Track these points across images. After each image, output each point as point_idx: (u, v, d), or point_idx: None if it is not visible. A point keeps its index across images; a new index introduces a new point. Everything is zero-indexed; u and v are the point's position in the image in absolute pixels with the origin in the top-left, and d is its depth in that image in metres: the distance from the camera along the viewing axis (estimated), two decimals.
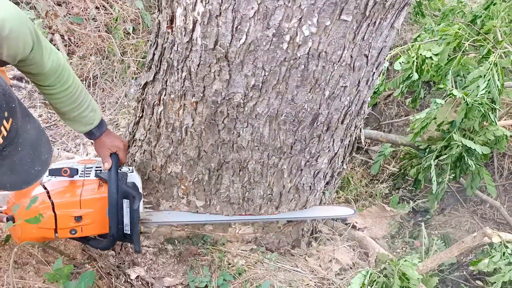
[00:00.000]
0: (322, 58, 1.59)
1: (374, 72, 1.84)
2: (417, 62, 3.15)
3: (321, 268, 2.34)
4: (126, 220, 1.76)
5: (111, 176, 1.73)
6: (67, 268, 1.58)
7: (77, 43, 3.61)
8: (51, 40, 3.91)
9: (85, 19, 3.84)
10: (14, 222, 1.61)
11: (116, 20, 3.61)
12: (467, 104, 2.80)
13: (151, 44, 1.95)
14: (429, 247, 2.52)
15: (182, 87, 1.78)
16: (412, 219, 3.75)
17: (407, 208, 3.07)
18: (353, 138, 2.20)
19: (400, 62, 3.09)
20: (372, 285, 2.06)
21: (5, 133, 1.06)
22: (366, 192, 3.56)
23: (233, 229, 2.28)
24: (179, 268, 2.20)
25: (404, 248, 2.83)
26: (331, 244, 2.55)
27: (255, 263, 2.20)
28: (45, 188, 1.67)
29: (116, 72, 3.38)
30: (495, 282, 2.20)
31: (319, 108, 1.77)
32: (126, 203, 1.75)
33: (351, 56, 1.63)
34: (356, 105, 1.91)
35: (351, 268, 2.42)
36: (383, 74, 3.16)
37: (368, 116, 5.43)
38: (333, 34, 1.52)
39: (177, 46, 1.72)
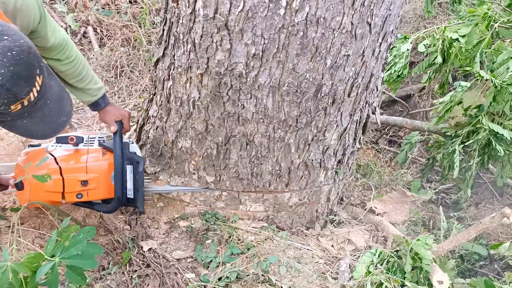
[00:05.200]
0: (320, 24, 1.58)
1: (380, 43, 1.80)
2: (443, 45, 3.03)
3: (333, 248, 2.30)
4: (130, 185, 1.83)
5: (116, 141, 1.80)
6: (74, 228, 1.65)
7: (107, 35, 3.76)
8: (84, 33, 4.10)
9: (116, 12, 4.00)
10: (22, 188, 1.70)
11: (142, 11, 3.73)
12: (496, 87, 2.68)
13: (161, 21, 2.01)
14: (448, 232, 2.42)
15: (188, 59, 1.83)
16: (444, 213, 3.63)
17: (429, 194, 2.96)
18: (365, 115, 2.16)
19: (424, 44, 2.98)
20: (382, 264, 2.00)
21: (38, 88, 1.23)
22: (392, 180, 3.48)
23: (244, 207, 2.29)
24: (191, 243, 2.23)
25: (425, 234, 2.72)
26: (347, 227, 2.51)
27: (265, 239, 2.20)
28: (52, 155, 1.76)
29: (142, 61, 3.48)
30: None
31: (322, 78, 1.75)
32: (129, 168, 1.82)
33: (352, 23, 1.61)
34: (363, 77, 1.87)
35: (365, 249, 2.36)
36: (406, 58, 3.06)
37: (402, 109, 5.34)
38: None
39: (182, 19, 1.76)
